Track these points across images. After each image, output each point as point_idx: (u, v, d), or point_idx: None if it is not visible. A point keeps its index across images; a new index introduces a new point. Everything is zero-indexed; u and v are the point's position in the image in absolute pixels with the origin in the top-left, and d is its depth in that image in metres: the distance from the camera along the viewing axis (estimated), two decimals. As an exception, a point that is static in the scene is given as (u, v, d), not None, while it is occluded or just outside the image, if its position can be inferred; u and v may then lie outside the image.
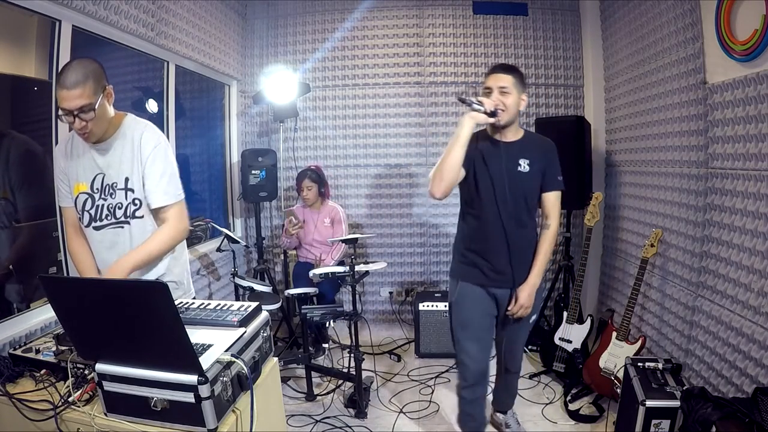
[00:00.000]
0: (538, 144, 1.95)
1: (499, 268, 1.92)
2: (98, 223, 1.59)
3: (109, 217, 1.59)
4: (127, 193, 1.57)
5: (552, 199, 1.92)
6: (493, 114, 1.78)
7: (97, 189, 1.58)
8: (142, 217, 1.60)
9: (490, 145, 1.90)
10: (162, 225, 1.61)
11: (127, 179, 1.57)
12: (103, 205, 1.58)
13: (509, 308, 1.94)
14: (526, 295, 1.90)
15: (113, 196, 1.58)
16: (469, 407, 2.07)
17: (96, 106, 1.43)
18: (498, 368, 2.24)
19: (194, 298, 1.81)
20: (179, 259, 1.76)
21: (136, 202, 1.59)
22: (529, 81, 3.64)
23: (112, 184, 1.57)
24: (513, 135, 1.91)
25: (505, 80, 1.83)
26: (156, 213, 1.61)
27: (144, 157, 1.56)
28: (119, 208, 1.58)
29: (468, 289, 1.98)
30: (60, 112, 1.42)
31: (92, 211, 1.59)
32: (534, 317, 2.05)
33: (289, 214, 3.20)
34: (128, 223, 1.60)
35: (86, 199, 1.58)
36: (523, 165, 1.88)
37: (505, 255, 1.90)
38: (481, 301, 1.97)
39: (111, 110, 1.54)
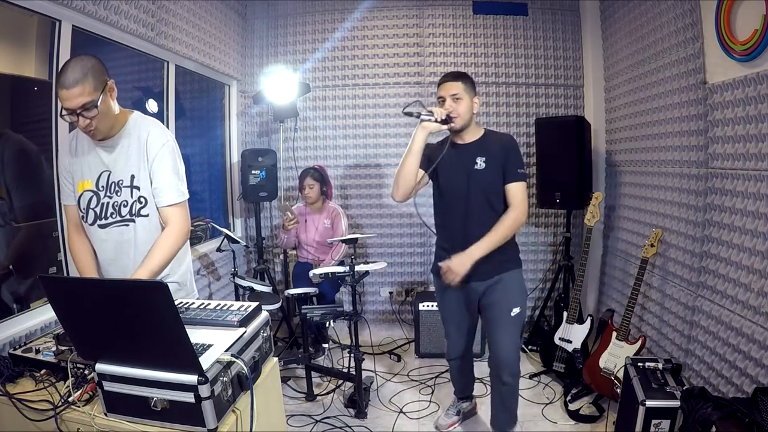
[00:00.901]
0: (496, 141, 2.02)
1: None
2: (103, 221, 1.58)
3: (114, 215, 1.57)
4: (132, 190, 1.56)
5: (513, 190, 1.96)
6: (446, 121, 1.91)
7: (103, 186, 1.56)
8: (148, 215, 1.59)
9: (449, 149, 2.00)
10: (165, 228, 1.58)
11: (133, 177, 1.55)
12: (108, 203, 1.57)
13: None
14: (458, 261, 1.89)
15: (118, 194, 1.56)
16: (455, 371, 2.40)
17: (98, 103, 1.41)
18: (491, 376, 2.14)
19: (197, 299, 1.80)
20: (182, 260, 1.75)
21: (142, 200, 1.58)
22: (529, 81, 3.64)
23: (118, 181, 1.56)
24: (471, 136, 2.02)
25: (456, 87, 1.94)
26: (160, 211, 1.59)
27: (152, 155, 1.54)
28: (124, 206, 1.57)
29: (440, 284, 2.10)
30: (63, 112, 1.41)
31: (97, 209, 1.57)
32: (516, 310, 2.02)
33: (286, 209, 3.15)
34: (133, 221, 1.58)
35: (91, 197, 1.57)
36: (480, 163, 1.97)
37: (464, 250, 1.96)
38: (451, 295, 2.13)
39: (115, 106, 1.52)
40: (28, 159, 2.11)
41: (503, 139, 2.04)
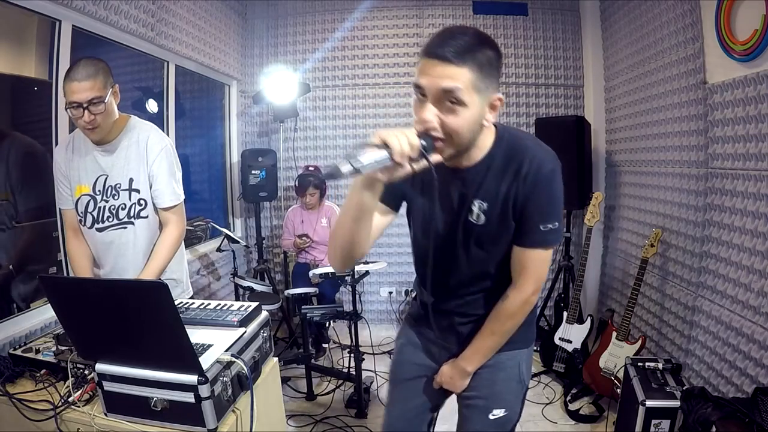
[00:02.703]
0: (511, 167, 1.06)
1: (447, 346, 1.30)
2: (101, 225, 1.61)
3: (111, 219, 1.60)
4: (131, 193, 1.60)
5: (522, 258, 1.11)
6: (423, 155, 0.94)
7: (99, 190, 1.59)
8: (147, 216, 1.63)
9: (433, 178, 0.99)
10: (165, 228, 1.66)
11: (131, 180, 1.59)
12: (105, 207, 1.60)
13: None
14: (448, 375, 1.26)
15: (116, 198, 1.59)
16: None
17: (106, 100, 1.46)
18: None
19: (192, 297, 1.82)
20: (180, 258, 1.79)
21: (142, 202, 1.61)
22: (529, 81, 3.64)
23: (115, 185, 1.59)
24: (470, 156, 1.07)
25: (453, 77, 0.91)
26: (159, 213, 1.66)
27: (151, 159, 1.59)
28: (122, 209, 1.60)
29: (407, 333, 1.41)
30: (68, 106, 1.44)
31: (94, 213, 1.60)
32: (499, 413, 1.25)
33: (302, 236, 3.28)
34: (132, 223, 1.62)
35: (88, 201, 1.60)
36: (476, 211, 1.10)
37: (457, 339, 1.27)
38: (418, 352, 1.36)
39: (116, 111, 1.57)
40: (35, 161, 2.11)
41: (528, 163, 1.04)
